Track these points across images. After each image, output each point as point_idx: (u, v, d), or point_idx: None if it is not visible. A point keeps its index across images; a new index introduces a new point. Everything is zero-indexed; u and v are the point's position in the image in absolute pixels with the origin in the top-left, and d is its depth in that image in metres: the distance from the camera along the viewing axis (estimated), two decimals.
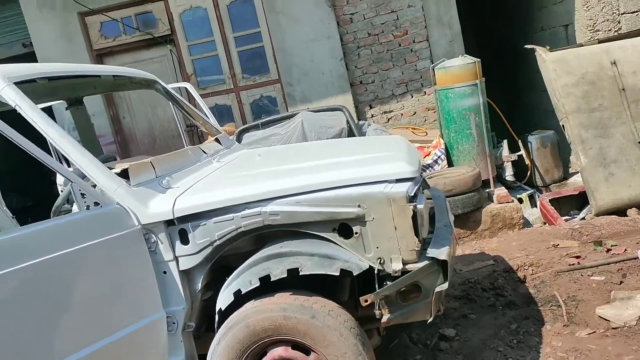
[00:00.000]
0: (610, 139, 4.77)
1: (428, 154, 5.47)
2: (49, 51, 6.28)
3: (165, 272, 2.38)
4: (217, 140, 3.68)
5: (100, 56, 6.44)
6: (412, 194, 2.32)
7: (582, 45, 5.27)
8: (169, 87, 4.43)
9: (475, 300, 3.58)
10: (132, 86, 4.09)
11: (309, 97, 6.20)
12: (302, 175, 2.46)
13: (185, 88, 5.17)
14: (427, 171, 5.28)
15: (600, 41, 5.26)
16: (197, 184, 2.58)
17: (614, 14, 5.40)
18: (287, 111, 6.17)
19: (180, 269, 2.38)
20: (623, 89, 4.88)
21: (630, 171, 4.66)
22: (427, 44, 6.17)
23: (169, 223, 2.36)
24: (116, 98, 6.55)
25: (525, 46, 5.42)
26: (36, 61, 6.40)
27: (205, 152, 3.28)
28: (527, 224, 4.98)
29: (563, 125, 4.94)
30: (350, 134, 5.57)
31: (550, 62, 5.08)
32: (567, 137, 4.92)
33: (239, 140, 5.67)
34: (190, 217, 2.35)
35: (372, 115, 6.34)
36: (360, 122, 5.78)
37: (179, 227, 2.36)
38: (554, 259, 3.91)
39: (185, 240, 2.37)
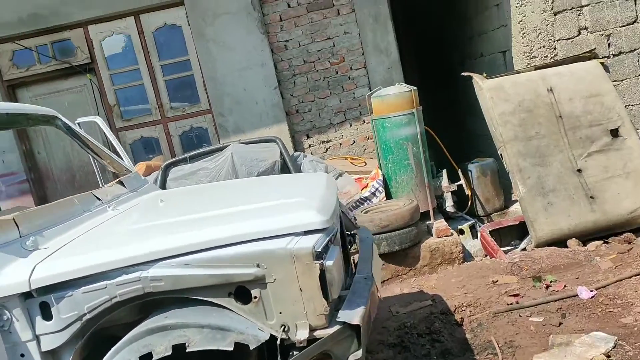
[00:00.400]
0: (548, 168, 4.64)
1: (366, 186, 5.21)
2: None
3: (23, 355, 1.96)
4: (120, 182, 3.30)
5: (12, 87, 5.91)
6: (320, 249, 2.01)
7: (519, 72, 5.19)
8: (78, 121, 4.02)
9: (410, 349, 3.29)
10: (29, 123, 3.69)
11: (242, 127, 5.87)
12: (195, 230, 2.11)
13: (95, 122, 4.72)
14: (365, 204, 5.01)
15: (537, 68, 5.20)
16: (70, 244, 2.18)
17: (550, 41, 5.37)
18: (219, 143, 5.81)
19: (43, 349, 1.96)
20: (560, 116, 4.79)
21: (569, 200, 4.53)
22: (365, 71, 5.98)
23: (27, 295, 1.95)
24: (30, 132, 6.02)
25: (463, 74, 5.30)
26: None
27: (99, 199, 2.89)
28: (468, 256, 4.76)
29: (501, 154, 4.79)
30: (284, 166, 5.27)
31: (487, 90, 4.95)
32: (505, 165, 4.77)
33: (165, 175, 5.26)
34: (53, 287, 1.95)
35: (310, 145, 6.06)
36: (296, 154, 5.48)
37: (39, 299, 1.95)
38: (492, 298, 3.68)
39: (47, 316, 1.96)
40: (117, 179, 3.33)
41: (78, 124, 3.98)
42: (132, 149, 6.03)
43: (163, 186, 5.18)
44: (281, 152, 5.27)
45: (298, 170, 5.29)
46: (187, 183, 5.19)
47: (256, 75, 5.80)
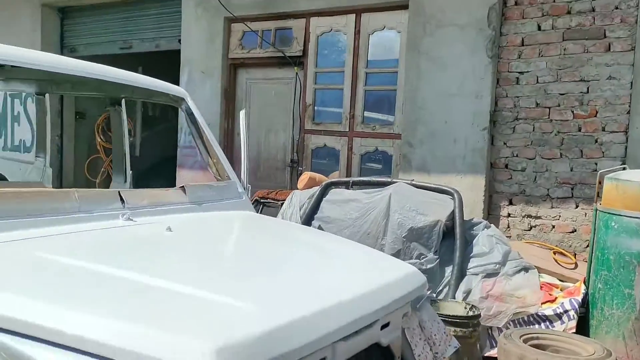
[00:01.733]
0: None
1: (553, 300, 3.49)
2: (192, 51, 6.13)
3: None
4: (182, 189, 2.70)
5: (234, 66, 6.02)
6: None
7: None
8: (242, 115, 3.54)
9: None
10: (156, 99, 3.45)
11: (427, 166, 4.70)
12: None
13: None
14: (536, 326, 3.35)
15: None
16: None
17: None
18: (398, 176, 4.79)
19: None
20: None
21: None
22: (624, 137, 4.08)
23: None
24: (236, 113, 6.06)
25: None
26: (169, 58, 6.34)
27: (122, 201, 2.31)
28: None
29: None
30: (451, 231, 3.95)
31: None
32: None
33: (322, 194, 4.56)
34: None
35: (509, 215, 4.50)
36: (475, 220, 4.09)
37: None
38: None
39: None
40: (181, 185, 2.75)
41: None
42: (312, 155, 5.51)
43: (317, 205, 4.52)
44: (453, 212, 3.97)
45: (465, 243, 3.91)
46: (338, 210, 4.40)
47: (465, 107, 4.54)
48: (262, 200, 5.15)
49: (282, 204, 4.85)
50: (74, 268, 1.58)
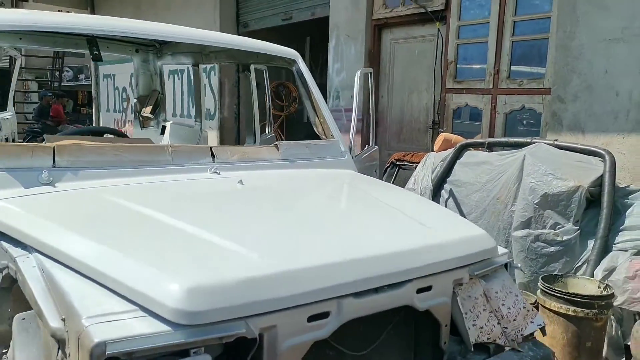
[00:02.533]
0: None
1: None
2: (339, 15, 6.20)
3: None
4: (276, 146, 2.81)
5: (378, 27, 5.90)
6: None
7: None
8: (359, 71, 3.64)
9: None
10: (275, 62, 3.63)
11: (581, 124, 4.05)
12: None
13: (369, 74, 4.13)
14: None
15: None
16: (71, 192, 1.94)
17: None
18: (546, 136, 4.25)
19: None
20: None
21: None
22: None
23: None
24: (381, 75, 5.97)
25: None
26: (328, 25, 6.46)
27: (213, 156, 2.52)
28: None
29: None
30: (595, 200, 3.39)
31: None
32: None
33: (456, 156, 4.33)
34: None
35: None
36: (633, 187, 3.43)
37: None
38: None
39: None
40: (275, 143, 2.86)
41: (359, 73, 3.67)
42: (453, 115, 5.18)
43: (449, 168, 4.32)
44: (602, 177, 3.40)
45: (615, 213, 3.31)
46: (469, 174, 4.13)
47: (631, 53, 3.77)
48: (397, 163, 5.05)
49: (417, 166, 4.71)
50: (127, 210, 1.78)
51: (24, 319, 1.54)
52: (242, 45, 3.16)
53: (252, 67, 4.05)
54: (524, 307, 1.96)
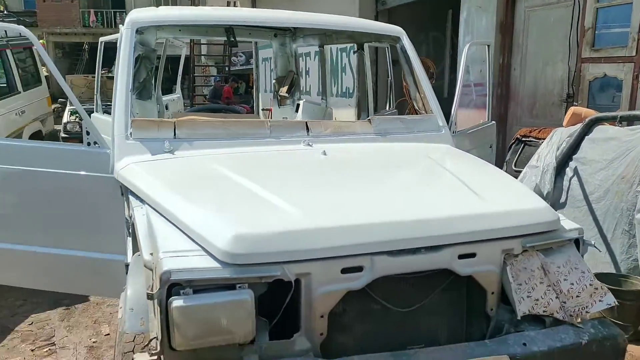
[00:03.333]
0: None
1: None
2: None
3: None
4: (369, 121, 2.99)
5: None
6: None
7: None
8: (470, 44, 3.68)
9: None
10: (382, 41, 3.77)
11: None
12: None
13: (487, 46, 3.97)
14: None
15: None
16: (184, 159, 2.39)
17: None
18: None
19: None
20: None
21: None
22: None
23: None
24: (514, 46, 5.66)
25: None
26: None
27: (308, 130, 2.79)
28: None
29: None
30: None
31: None
32: None
33: (584, 131, 4.07)
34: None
35: None
36: None
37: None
38: None
39: None
40: (369, 117, 3.01)
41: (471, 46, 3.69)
42: (589, 87, 4.74)
43: (576, 144, 4.07)
44: None
45: None
46: (596, 150, 3.85)
47: None
48: (523, 139, 4.84)
49: (542, 142, 4.48)
50: (218, 173, 2.14)
51: (139, 255, 1.99)
52: (345, 25, 3.34)
53: (365, 45, 4.21)
54: (591, 285, 1.90)
